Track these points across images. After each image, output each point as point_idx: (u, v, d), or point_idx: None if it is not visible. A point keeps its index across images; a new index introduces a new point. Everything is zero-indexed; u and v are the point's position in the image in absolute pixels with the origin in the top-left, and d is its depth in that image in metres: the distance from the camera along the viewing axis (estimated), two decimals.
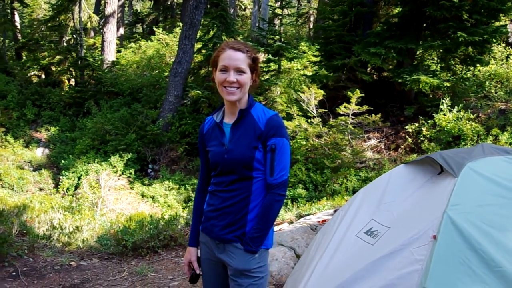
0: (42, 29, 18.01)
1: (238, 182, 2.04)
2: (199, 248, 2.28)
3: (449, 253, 2.11)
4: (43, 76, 17.09)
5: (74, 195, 8.48)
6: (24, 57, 17.79)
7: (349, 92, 8.94)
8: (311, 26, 20.94)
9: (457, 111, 8.19)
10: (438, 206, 2.29)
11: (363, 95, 8.84)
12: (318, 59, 12.48)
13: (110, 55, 16.75)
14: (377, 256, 2.34)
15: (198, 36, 12.80)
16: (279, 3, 21.38)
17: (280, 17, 14.95)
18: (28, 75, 16.64)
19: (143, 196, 9.05)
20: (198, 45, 13.15)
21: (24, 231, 5.61)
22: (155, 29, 19.93)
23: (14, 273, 4.35)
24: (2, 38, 17.85)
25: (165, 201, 8.88)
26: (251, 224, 2.05)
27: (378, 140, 9.29)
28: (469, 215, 2.23)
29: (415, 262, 2.17)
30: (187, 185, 9.55)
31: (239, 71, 2.00)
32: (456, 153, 2.71)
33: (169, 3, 24.67)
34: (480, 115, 8.36)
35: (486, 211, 2.27)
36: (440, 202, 2.31)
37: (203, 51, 12.84)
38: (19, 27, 17.69)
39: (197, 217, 2.28)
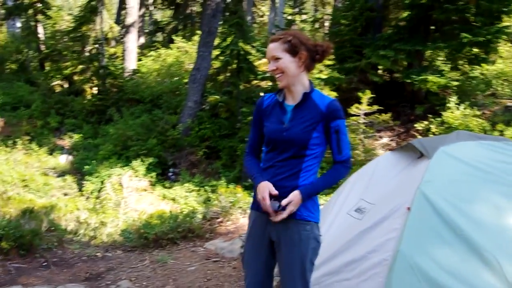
0: (65, 39, 18.56)
1: (291, 159, 2.18)
2: (249, 223, 2.38)
3: (420, 221, 2.46)
4: (66, 86, 17.42)
5: (98, 197, 8.92)
6: (47, 67, 18.12)
7: (360, 93, 9.22)
8: (326, 32, 21.22)
9: (464, 109, 8.41)
10: (414, 183, 2.62)
11: (374, 95, 9.11)
12: (331, 62, 12.78)
13: (131, 63, 17.27)
14: (362, 229, 2.69)
15: (216, 43, 13.22)
16: (294, 10, 21.77)
17: (295, 23, 15.27)
18: (52, 84, 16.91)
19: (164, 197, 9.44)
20: (216, 52, 13.57)
21: (52, 228, 6.03)
22: (174, 37, 20.46)
23: (45, 263, 4.77)
24: (26, 50, 18.45)
25: (185, 202, 9.24)
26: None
27: (390, 138, 9.55)
28: (439, 190, 2.58)
29: (393, 231, 2.51)
30: (206, 187, 9.89)
31: (275, 58, 2.16)
32: (433, 139, 3.06)
33: (188, 11, 25.22)
34: (486, 111, 8.58)
35: (454, 187, 2.62)
36: (416, 180, 2.65)
37: (221, 57, 13.25)
38: (42, 38, 18.28)
39: (255, 165, 2.33)
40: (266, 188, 2.17)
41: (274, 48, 2.18)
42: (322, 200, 6.68)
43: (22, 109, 14.10)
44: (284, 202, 2.11)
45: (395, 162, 3.18)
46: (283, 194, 2.14)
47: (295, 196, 2.13)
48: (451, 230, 2.41)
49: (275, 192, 2.15)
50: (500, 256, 2.35)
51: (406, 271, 2.38)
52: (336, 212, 3.12)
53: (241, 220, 6.18)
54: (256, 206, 2.30)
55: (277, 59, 2.17)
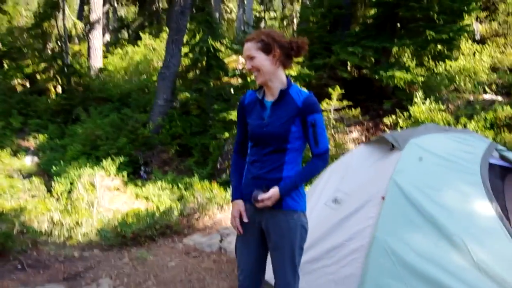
0: (25, 36, 17.89)
1: (274, 153, 2.30)
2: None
3: (394, 209, 2.64)
4: (27, 85, 16.83)
5: (69, 198, 8.77)
6: (6, 66, 17.29)
7: (330, 89, 9.43)
8: (295, 29, 21.45)
9: (430, 103, 8.72)
10: (387, 174, 2.79)
11: (343, 91, 9.34)
12: (301, 59, 12.97)
13: (96, 61, 16.94)
14: (339, 218, 2.85)
15: (185, 41, 13.19)
16: (263, 7, 21.89)
17: (263, 20, 15.40)
18: (12, 83, 16.36)
19: (137, 196, 9.38)
20: (185, 49, 13.53)
21: (25, 230, 5.92)
22: (141, 34, 20.24)
23: (19, 266, 4.67)
24: None
25: (158, 200, 9.21)
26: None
27: (359, 133, 9.81)
28: (410, 179, 2.79)
29: (369, 219, 2.68)
30: (179, 184, 9.88)
31: (251, 58, 2.27)
32: (404, 132, 3.28)
33: (154, 8, 24.99)
34: (450, 106, 8.95)
35: (424, 176, 2.84)
36: (389, 170, 2.82)
37: (190, 55, 13.22)
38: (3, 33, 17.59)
39: (237, 173, 2.50)
40: (237, 210, 2.40)
41: (249, 47, 2.28)
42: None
43: None
44: (263, 196, 2.25)
45: (368, 154, 3.35)
46: (269, 185, 2.29)
47: (274, 192, 2.26)
48: (422, 217, 2.59)
49: (245, 217, 2.37)
50: (467, 239, 2.54)
51: (382, 256, 2.54)
52: (314, 203, 3.26)
53: (218, 215, 6.26)
54: (243, 195, 2.43)
55: (252, 58, 2.27)
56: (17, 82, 16.63)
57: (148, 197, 9.33)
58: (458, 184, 2.86)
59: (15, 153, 11.97)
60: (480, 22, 13.27)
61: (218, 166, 9.90)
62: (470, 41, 11.80)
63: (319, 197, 3.30)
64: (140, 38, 19.70)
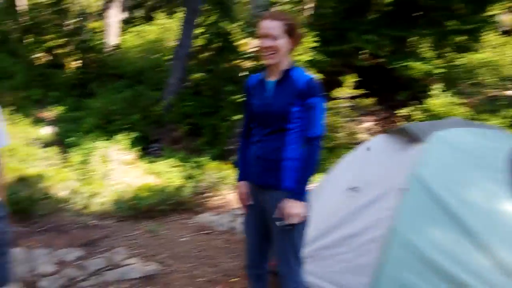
0: (46, 12, 18.16)
1: (275, 133, 2.33)
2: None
3: (415, 202, 2.64)
4: (47, 58, 17.30)
5: (84, 169, 8.94)
6: (29, 40, 17.84)
7: (344, 77, 9.44)
8: (310, 13, 21.26)
9: (448, 96, 8.64)
10: (407, 166, 2.81)
11: (357, 79, 9.34)
12: (316, 44, 12.93)
13: (113, 38, 17.08)
14: (357, 206, 2.90)
15: (199, 21, 13.18)
16: None
17: (277, 4, 15.28)
18: (33, 57, 16.80)
19: (149, 171, 9.53)
20: (199, 30, 13.52)
21: (46, 196, 6.11)
22: (156, 13, 20.23)
23: (40, 230, 4.88)
24: (6, 21, 18.00)
25: (169, 177, 9.36)
26: (286, 171, 2.34)
27: (372, 122, 9.85)
28: (433, 173, 2.77)
29: (387, 210, 2.68)
30: (189, 163, 10.01)
31: (273, 37, 2.25)
32: (426, 124, 3.28)
33: None
34: (471, 100, 8.83)
35: (447, 170, 2.81)
36: (410, 162, 2.84)
37: (204, 36, 13.22)
38: (26, 10, 17.86)
39: (243, 156, 2.57)
40: (241, 191, 2.58)
41: (274, 27, 2.27)
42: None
43: (5, 80, 13.90)
44: (290, 221, 2.29)
45: (388, 144, 3.33)
46: (272, 165, 2.35)
47: (290, 208, 2.28)
48: (444, 212, 2.57)
49: (248, 198, 2.52)
50: (491, 238, 2.52)
51: (401, 248, 2.54)
52: (330, 190, 3.30)
53: (229, 196, 6.38)
54: (249, 177, 2.53)
55: (275, 37, 2.26)
56: (37, 56, 16.95)
57: (159, 173, 9.48)
58: (484, 181, 2.81)
59: (35, 123, 12.28)
60: (506, 13, 12.75)
61: (228, 147, 10.00)
62: (494, 33, 11.42)
63: (336, 184, 3.32)
64: (152, 18, 19.69)
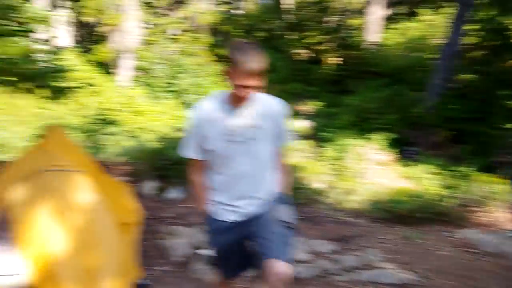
0: (310, 10, 19.33)
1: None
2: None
3: None
4: (307, 54, 18.41)
5: (338, 165, 9.12)
6: (291, 36, 19.01)
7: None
8: None
9: None
10: None
11: None
12: None
13: (373, 35, 17.06)
14: None
15: (471, 17, 11.94)
16: None
17: None
18: (293, 52, 18.06)
19: (403, 175, 9.10)
20: (470, 27, 12.27)
21: (302, 186, 6.43)
22: (420, 9, 19.37)
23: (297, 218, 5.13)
24: (272, 20, 19.74)
25: (425, 184, 8.73)
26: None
27: None
28: None
29: None
30: (450, 171, 9.14)
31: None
32: None
33: None
34: None
35: None
36: None
37: (479, 33, 11.92)
38: (291, 8, 19.42)
39: None
40: None
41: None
42: None
43: (270, 74, 15.68)
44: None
45: None
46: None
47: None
48: None
49: None
50: None
51: None
52: None
53: (499, 214, 5.53)
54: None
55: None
56: (299, 52, 18.36)
57: (415, 178, 8.95)
58: None
59: (292, 116, 13.29)
60: None
61: (497, 159, 8.82)
62: None
63: None
64: (414, 14, 18.88)
